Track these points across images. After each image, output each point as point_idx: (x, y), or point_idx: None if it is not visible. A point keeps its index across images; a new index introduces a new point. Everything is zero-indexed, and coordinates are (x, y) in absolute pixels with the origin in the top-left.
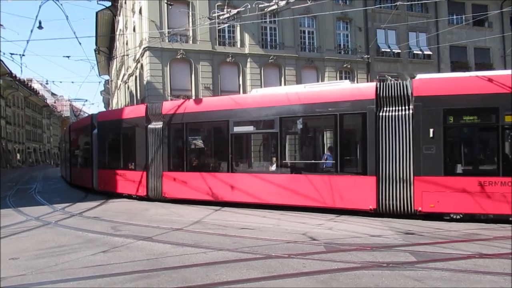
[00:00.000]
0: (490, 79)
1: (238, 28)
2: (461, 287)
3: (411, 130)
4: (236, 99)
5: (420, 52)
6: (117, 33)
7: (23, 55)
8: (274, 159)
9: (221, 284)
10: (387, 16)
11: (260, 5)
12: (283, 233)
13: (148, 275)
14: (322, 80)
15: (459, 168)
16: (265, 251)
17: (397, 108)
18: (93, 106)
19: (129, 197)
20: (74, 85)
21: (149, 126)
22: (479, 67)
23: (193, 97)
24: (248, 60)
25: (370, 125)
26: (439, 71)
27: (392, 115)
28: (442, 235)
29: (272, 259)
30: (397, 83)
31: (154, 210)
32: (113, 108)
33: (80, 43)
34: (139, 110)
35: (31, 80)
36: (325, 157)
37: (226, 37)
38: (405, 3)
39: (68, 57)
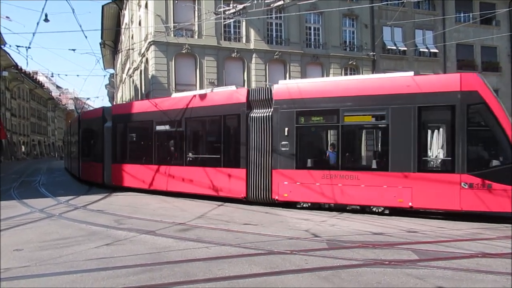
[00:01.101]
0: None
1: (244, 23)
2: (463, 286)
3: (271, 129)
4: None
5: (426, 50)
6: (123, 27)
7: (29, 47)
8: (183, 154)
9: (224, 279)
10: (394, 13)
11: (266, 1)
12: (286, 229)
13: (151, 268)
14: (328, 76)
15: (309, 163)
16: (268, 247)
17: (262, 110)
18: (97, 99)
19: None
20: (79, 79)
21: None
22: (486, 66)
23: None
24: (253, 55)
25: (242, 124)
26: (445, 69)
27: (258, 116)
28: (444, 234)
29: (275, 255)
30: (263, 88)
31: (157, 205)
32: (118, 103)
33: (86, 37)
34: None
35: (36, 73)
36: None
37: (232, 32)
38: (412, 0)
39: (74, 50)
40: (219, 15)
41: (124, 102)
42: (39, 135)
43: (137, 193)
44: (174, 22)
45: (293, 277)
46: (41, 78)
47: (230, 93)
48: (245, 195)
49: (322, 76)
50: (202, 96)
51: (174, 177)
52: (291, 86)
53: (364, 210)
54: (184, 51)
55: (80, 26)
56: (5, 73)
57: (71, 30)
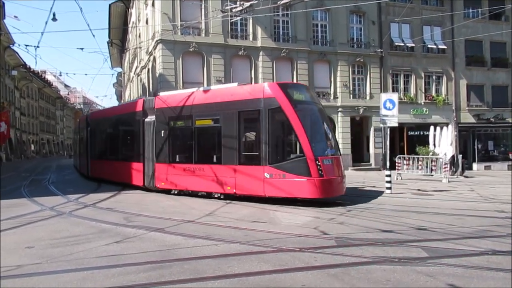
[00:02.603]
0: (186, 95)
1: (251, 21)
2: (473, 283)
3: (155, 131)
4: None
5: (434, 46)
6: (130, 25)
7: (38, 46)
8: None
9: (233, 277)
10: (402, 10)
11: None
12: (294, 227)
13: (161, 266)
14: (335, 73)
15: (176, 158)
16: (277, 244)
17: (151, 116)
18: (105, 98)
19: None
20: (87, 78)
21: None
22: (495, 62)
23: None
24: (260, 53)
25: (140, 128)
26: (453, 65)
27: (148, 121)
28: (454, 231)
29: (284, 252)
30: (152, 99)
31: (166, 202)
32: (126, 101)
33: (93, 35)
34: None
35: (45, 72)
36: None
37: (239, 30)
38: None
39: (82, 49)
40: (226, 13)
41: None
42: (48, 134)
43: (145, 191)
44: (181, 21)
45: (302, 275)
46: (49, 77)
47: (131, 103)
48: (142, 184)
49: (330, 73)
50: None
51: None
52: (165, 97)
53: (210, 195)
54: (191, 49)
55: (88, 25)
56: (14, 73)
57: (79, 29)
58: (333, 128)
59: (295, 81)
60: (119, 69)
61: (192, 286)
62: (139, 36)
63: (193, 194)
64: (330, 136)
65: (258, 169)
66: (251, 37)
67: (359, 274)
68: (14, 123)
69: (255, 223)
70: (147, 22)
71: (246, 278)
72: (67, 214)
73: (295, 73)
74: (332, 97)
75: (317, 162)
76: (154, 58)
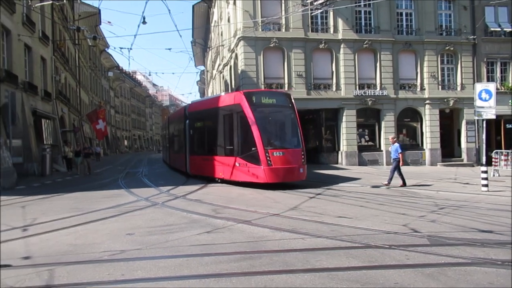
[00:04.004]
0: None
1: (331, 13)
2: None
3: (189, 130)
4: None
5: None
6: (212, 24)
7: (131, 48)
8: None
9: (322, 270)
10: None
11: None
12: (382, 223)
13: (250, 256)
14: (422, 64)
15: (199, 151)
16: (364, 240)
17: (187, 119)
18: (190, 95)
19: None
20: (174, 76)
21: None
22: None
23: (286, 86)
24: (342, 46)
25: (186, 128)
26: None
27: (188, 122)
28: None
29: (372, 248)
30: (185, 106)
31: (250, 195)
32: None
33: (180, 36)
34: None
35: (135, 72)
36: None
37: (319, 23)
38: None
39: (170, 49)
40: (307, 7)
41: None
42: (139, 130)
43: (228, 184)
44: (261, 17)
45: (395, 272)
46: (139, 77)
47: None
48: (184, 169)
49: (416, 64)
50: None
51: None
52: (192, 103)
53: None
54: (272, 45)
55: (176, 26)
56: (110, 74)
57: (166, 30)
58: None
59: (378, 73)
60: (202, 67)
61: (282, 278)
62: (221, 34)
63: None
64: (287, 132)
65: (232, 159)
66: (331, 30)
67: (457, 275)
68: (110, 121)
69: (341, 218)
70: (229, 20)
71: (336, 273)
72: (160, 205)
73: (378, 64)
74: (418, 89)
75: (266, 154)
76: (236, 55)
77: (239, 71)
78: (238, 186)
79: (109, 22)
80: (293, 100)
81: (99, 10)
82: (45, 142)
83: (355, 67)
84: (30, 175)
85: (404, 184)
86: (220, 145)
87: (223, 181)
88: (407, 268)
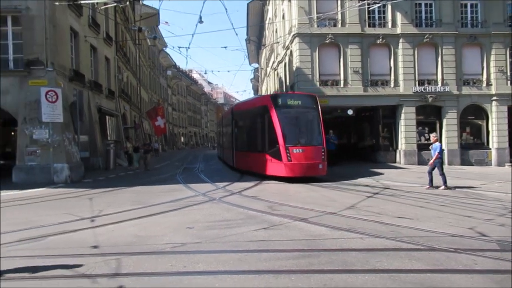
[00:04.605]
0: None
1: (389, 7)
2: None
3: (234, 128)
4: None
5: None
6: (267, 22)
7: (189, 47)
8: None
9: (384, 272)
10: None
11: None
12: (446, 225)
13: (309, 254)
14: (488, 58)
15: (241, 147)
16: (427, 242)
17: (233, 118)
18: (244, 93)
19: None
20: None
21: None
22: None
23: (342, 82)
24: (400, 40)
25: (233, 127)
26: None
27: (233, 121)
28: None
29: (436, 251)
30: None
31: (306, 193)
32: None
33: (236, 34)
34: None
35: (191, 71)
36: None
37: (376, 18)
38: None
39: (225, 47)
40: (364, 1)
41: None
42: (195, 127)
43: (282, 182)
44: (317, 13)
45: (461, 277)
46: (195, 75)
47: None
48: (232, 164)
49: (482, 58)
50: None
51: None
52: (237, 104)
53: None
54: (327, 41)
55: (232, 24)
56: (169, 73)
57: (223, 29)
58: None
59: (439, 68)
60: (256, 65)
61: (342, 277)
62: (276, 32)
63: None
64: (309, 131)
65: (263, 155)
66: (389, 24)
67: None
68: (167, 118)
69: (400, 218)
70: (283, 18)
71: (398, 275)
72: (217, 200)
73: (439, 59)
74: (484, 85)
75: (287, 151)
76: (291, 52)
77: (294, 68)
78: (292, 184)
79: (166, 22)
80: (318, 102)
81: (158, 11)
82: (109, 138)
83: (414, 63)
84: (95, 169)
85: (431, 186)
86: (254, 143)
87: (265, 176)
88: (475, 273)
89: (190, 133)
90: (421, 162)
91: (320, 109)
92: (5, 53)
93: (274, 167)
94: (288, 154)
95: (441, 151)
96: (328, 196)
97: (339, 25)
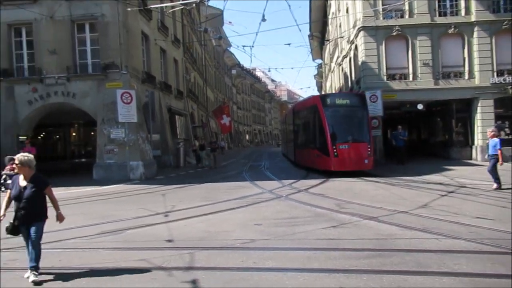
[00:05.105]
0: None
1: None
2: None
3: (293, 126)
4: None
5: None
6: (329, 17)
7: (253, 46)
8: None
9: (463, 275)
10: None
11: None
12: None
13: (380, 254)
14: None
15: (300, 143)
16: None
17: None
18: (308, 90)
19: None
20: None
21: None
22: None
23: (411, 76)
24: (475, 29)
25: (292, 124)
26: None
27: (293, 119)
28: None
29: None
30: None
31: (374, 191)
32: (326, 91)
33: (300, 30)
34: None
35: (255, 69)
36: None
37: (448, 6)
38: None
39: (289, 44)
40: None
41: (332, 91)
42: (259, 125)
43: (351, 178)
44: (382, 5)
45: None
46: (259, 73)
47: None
48: (293, 160)
49: None
50: None
51: None
52: (296, 104)
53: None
54: (394, 33)
55: (295, 21)
56: (234, 72)
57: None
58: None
59: None
60: (319, 61)
61: (417, 279)
62: (340, 26)
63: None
64: (355, 128)
65: (314, 151)
66: (463, 12)
67: None
68: (233, 116)
69: (480, 219)
70: (347, 11)
71: (480, 280)
72: (284, 198)
73: None
74: None
75: (333, 147)
76: (356, 46)
77: (359, 63)
78: (360, 181)
79: (230, 22)
80: (366, 101)
81: (222, 12)
82: (178, 137)
83: (492, 52)
84: (167, 167)
85: (499, 187)
86: (308, 139)
87: (324, 172)
88: None
89: (255, 131)
90: None
91: (367, 107)
92: (84, 58)
93: (322, 162)
94: (334, 150)
95: (501, 146)
96: (398, 194)
97: (407, 16)
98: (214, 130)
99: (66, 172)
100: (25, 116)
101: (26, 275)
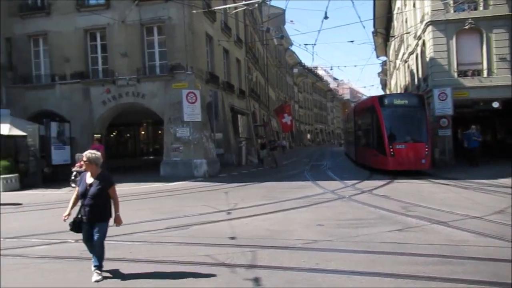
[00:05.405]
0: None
1: None
2: None
3: (354, 125)
4: None
5: None
6: (395, 12)
7: (315, 44)
8: None
9: None
10: None
11: None
12: None
13: (450, 261)
14: None
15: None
16: None
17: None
18: (372, 88)
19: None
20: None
21: None
22: None
23: (485, 72)
24: None
25: (353, 124)
26: None
27: (354, 119)
28: None
29: None
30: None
31: (443, 194)
32: (391, 90)
33: (364, 27)
34: None
35: (316, 68)
36: None
37: None
38: None
39: (352, 41)
40: None
41: (394, 91)
42: (321, 124)
43: (418, 180)
44: None
45: None
46: (320, 72)
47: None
48: (354, 159)
49: None
50: None
51: None
52: (357, 104)
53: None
54: (466, 27)
55: (359, 17)
56: (295, 70)
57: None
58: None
59: None
60: (384, 58)
61: None
62: (406, 22)
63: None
64: (413, 129)
65: (372, 151)
66: None
67: None
68: (294, 115)
69: None
70: (414, 6)
71: None
72: (347, 198)
73: None
74: None
75: (390, 146)
76: (423, 42)
77: (427, 59)
78: (427, 183)
79: (291, 21)
80: (425, 101)
81: (284, 11)
82: (240, 136)
83: None
84: (229, 165)
85: None
86: (366, 139)
87: (387, 172)
88: None
89: (316, 130)
90: None
91: (426, 108)
92: (152, 60)
93: (380, 161)
94: (391, 150)
95: None
96: (470, 198)
97: (481, 8)
98: (275, 129)
99: (136, 169)
100: (99, 116)
101: (93, 279)
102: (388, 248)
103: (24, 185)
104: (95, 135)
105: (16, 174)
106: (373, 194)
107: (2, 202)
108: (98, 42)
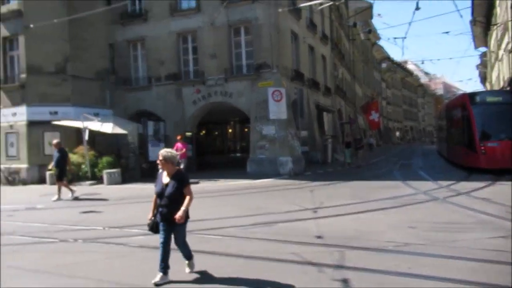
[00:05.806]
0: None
1: None
2: None
3: (447, 123)
4: None
5: None
6: None
7: (405, 37)
8: None
9: None
10: None
11: None
12: None
13: None
14: None
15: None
16: None
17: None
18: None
19: None
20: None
21: None
22: None
23: None
24: None
25: (445, 122)
26: None
27: (446, 117)
28: None
29: None
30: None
31: None
32: (492, 83)
33: (461, 16)
34: None
35: (406, 62)
36: None
37: None
38: None
39: (447, 32)
40: None
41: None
42: (411, 121)
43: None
44: None
45: None
46: (410, 66)
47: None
48: (446, 156)
49: None
50: None
51: None
52: (449, 102)
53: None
54: None
55: (456, 6)
56: (384, 65)
57: (443, 12)
58: None
59: None
60: (483, 49)
61: None
62: (511, 7)
63: None
64: (506, 126)
65: (463, 148)
66: None
67: None
68: (382, 112)
69: None
70: None
71: None
72: (441, 200)
73: None
74: None
75: (481, 144)
76: None
77: None
78: None
79: (379, 14)
80: None
81: (371, 4)
82: (326, 133)
83: None
84: (314, 163)
85: None
86: (457, 136)
87: (490, 172)
88: None
89: (406, 127)
90: None
91: None
92: (239, 60)
93: (470, 159)
94: (482, 148)
95: None
96: None
97: None
98: (362, 127)
99: (224, 166)
100: (190, 114)
101: (186, 270)
102: (490, 256)
103: (125, 179)
104: (187, 133)
105: (118, 169)
106: (471, 196)
107: (91, 197)
108: (190, 45)
